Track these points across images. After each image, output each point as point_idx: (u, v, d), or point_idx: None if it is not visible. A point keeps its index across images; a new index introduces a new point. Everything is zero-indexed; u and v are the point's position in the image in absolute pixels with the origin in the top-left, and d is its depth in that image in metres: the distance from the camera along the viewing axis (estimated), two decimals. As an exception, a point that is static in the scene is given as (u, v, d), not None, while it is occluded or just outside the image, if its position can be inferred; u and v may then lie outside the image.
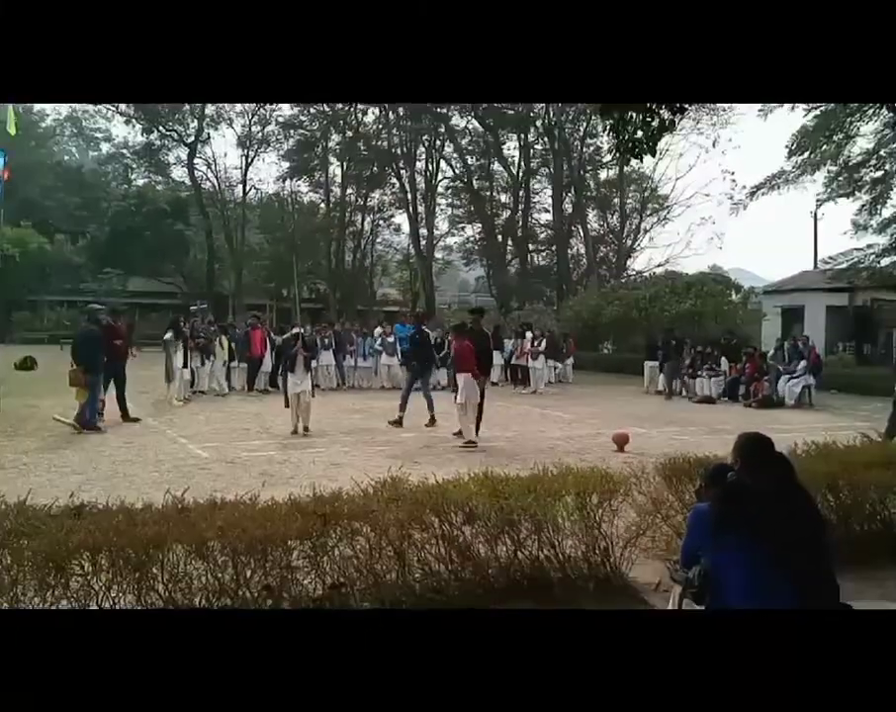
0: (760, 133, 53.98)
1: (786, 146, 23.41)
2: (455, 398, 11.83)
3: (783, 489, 3.58)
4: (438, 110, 36.71)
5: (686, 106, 7.07)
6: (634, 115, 6.91)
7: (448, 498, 5.02)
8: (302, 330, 13.02)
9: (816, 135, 22.62)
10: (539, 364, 19.94)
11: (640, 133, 7.08)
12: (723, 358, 19.13)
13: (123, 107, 44.00)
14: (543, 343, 20.12)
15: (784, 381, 17.94)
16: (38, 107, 56.49)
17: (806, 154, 23.35)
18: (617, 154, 7.23)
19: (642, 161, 6.65)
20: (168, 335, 15.86)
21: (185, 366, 16.15)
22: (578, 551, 5.44)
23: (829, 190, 24.69)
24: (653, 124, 7.01)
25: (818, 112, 22.15)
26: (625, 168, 36.99)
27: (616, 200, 38.08)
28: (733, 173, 39.43)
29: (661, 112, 6.78)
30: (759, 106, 22.90)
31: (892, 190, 23.03)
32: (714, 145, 34.43)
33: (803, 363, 18.20)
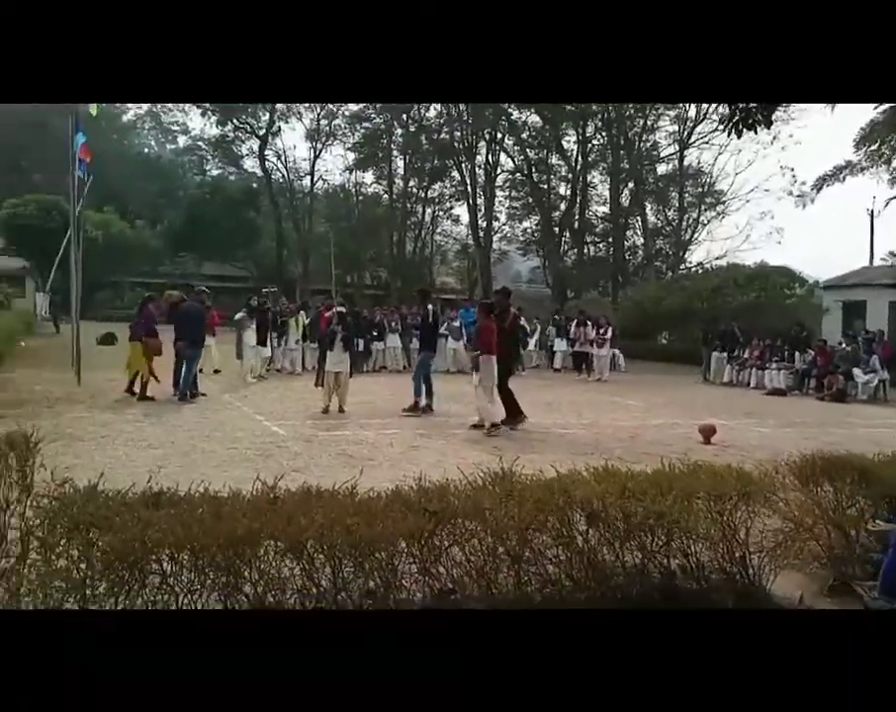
0: (821, 128, 51.10)
1: (854, 139, 21.93)
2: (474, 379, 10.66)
3: None
4: (499, 104, 35.61)
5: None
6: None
7: (572, 498, 4.11)
8: (342, 310, 12.18)
9: (886, 128, 21.07)
10: (604, 352, 18.89)
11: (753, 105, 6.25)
12: (796, 351, 17.82)
13: (200, 98, 43.89)
14: (609, 331, 19.03)
15: (858, 374, 16.62)
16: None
17: (874, 146, 21.81)
18: (731, 127, 6.28)
19: (756, 133, 5.78)
20: (240, 315, 15.43)
21: (264, 344, 15.53)
22: (713, 560, 4.50)
23: (896, 184, 23.14)
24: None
25: (888, 106, 20.67)
26: (683, 163, 35.57)
27: (675, 194, 36.54)
28: (792, 169, 37.25)
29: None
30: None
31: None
32: (773, 142, 32.61)
33: (875, 357, 16.87)
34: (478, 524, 3.90)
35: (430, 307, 12.89)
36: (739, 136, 6.67)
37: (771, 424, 12.27)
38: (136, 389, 11.79)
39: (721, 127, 6.79)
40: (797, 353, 17.88)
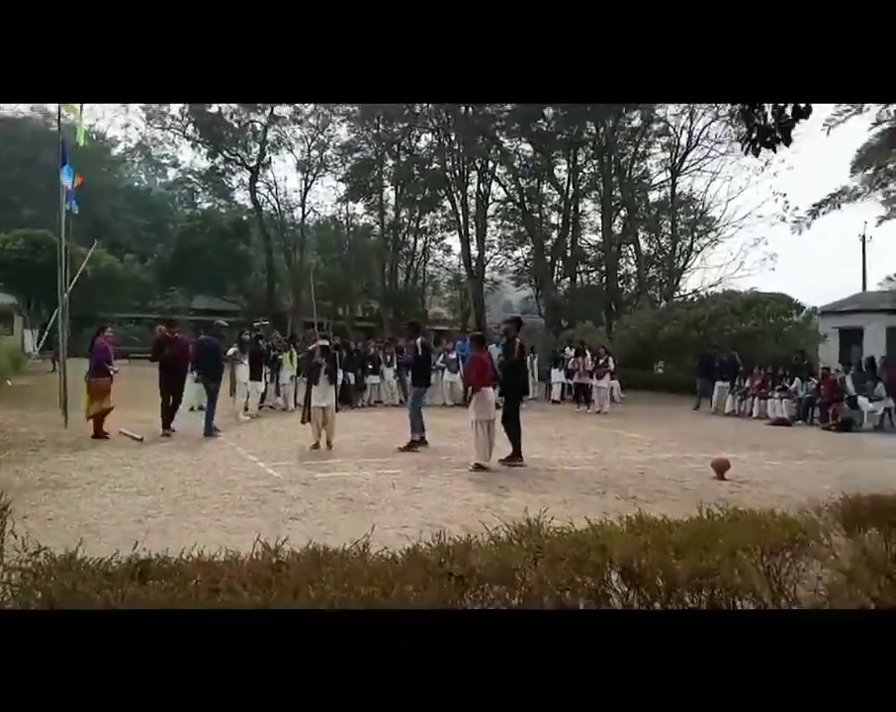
0: (813, 154, 51.30)
1: (850, 162, 21.87)
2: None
3: None
4: (493, 129, 35.52)
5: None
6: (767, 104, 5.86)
7: (609, 555, 3.69)
8: (326, 344, 11.87)
9: (882, 151, 21.00)
10: (604, 383, 18.48)
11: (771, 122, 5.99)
12: (797, 379, 17.47)
13: (189, 130, 43.73)
14: (610, 362, 18.65)
15: (864, 403, 16.28)
16: (109, 134, 57.03)
17: (870, 170, 21.77)
18: (748, 146, 5.99)
19: (776, 152, 5.50)
20: (232, 350, 14.97)
21: (258, 379, 15.10)
22: (760, 619, 4.07)
23: (890, 209, 23.26)
24: (786, 111, 5.86)
25: (882, 128, 20.63)
26: (675, 190, 35.47)
27: (667, 221, 36.45)
28: (785, 194, 37.31)
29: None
30: (817, 125, 21.40)
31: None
32: (765, 167, 32.53)
33: (881, 385, 16.55)
34: (506, 588, 3.46)
35: (420, 340, 12.59)
36: (756, 155, 6.39)
37: (781, 456, 11.90)
38: (106, 430, 11.42)
39: (741, 146, 6.47)
40: (799, 381, 17.53)
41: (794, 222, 24.11)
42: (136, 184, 60.12)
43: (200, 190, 51.69)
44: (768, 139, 6.09)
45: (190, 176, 50.82)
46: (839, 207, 22.81)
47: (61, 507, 6.96)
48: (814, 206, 23.00)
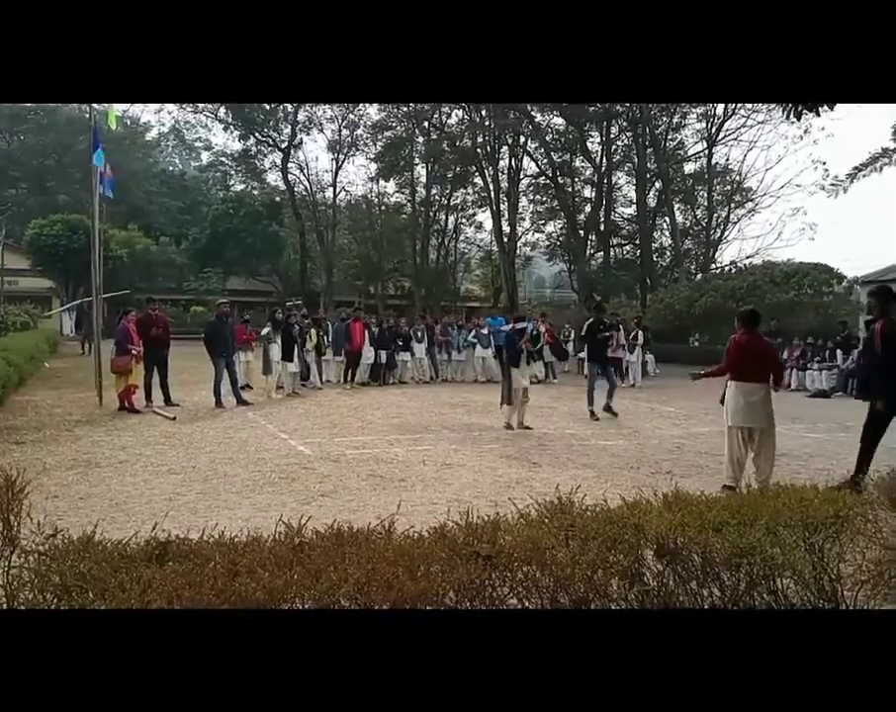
0: (855, 120, 49.83)
1: (893, 125, 21.13)
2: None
3: None
4: (522, 106, 34.99)
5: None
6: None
7: (644, 533, 3.53)
8: (529, 325, 11.72)
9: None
10: (634, 357, 18.20)
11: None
12: (838, 351, 17.01)
13: (221, 113, 43.77)
14: (640, 336, 18.35)
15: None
16: (143, 119, 57.44)
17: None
18: (790, 110, 5.72)
19: (818, 115, 5.26)
20: (266, 330, 14.97)
21: (290, 359, 15.00)
22: (803, 598, 3.89)
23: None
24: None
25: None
26: (712, 160, 34.72)
27: (704, 192, 35.74)
28: (825, 163, 36.38)
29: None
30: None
31: None
32: (804, 135, 31.67)
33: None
34: (537, 569, 3.32)
35: (607, 321, 13.36)
36: (798, 119, 6.13)
37: (822, 429, 11.57)
38: (137, 404, 12.05)
39: (781, 110, 6.18)
40: (839, 353, 17.07)
41: (832, 185, 23.44)
42: (171, 168, 60.58)
43: (233, 172, 51.84)
44: (810, 104, 5.81)
45: (223, 159, 50.99)
46: (880, 171, 22.13)
47: (93, 486, 6.98)
48: (854, 169, 22.32)
